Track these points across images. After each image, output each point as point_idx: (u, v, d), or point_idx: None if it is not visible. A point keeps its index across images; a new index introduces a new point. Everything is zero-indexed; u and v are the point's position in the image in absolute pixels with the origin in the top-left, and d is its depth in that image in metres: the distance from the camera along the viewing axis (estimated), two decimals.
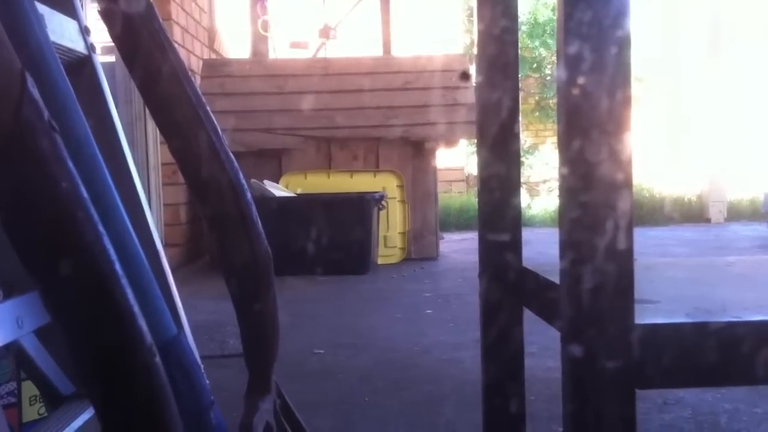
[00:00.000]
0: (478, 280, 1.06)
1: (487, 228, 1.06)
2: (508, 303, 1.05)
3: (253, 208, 1.02)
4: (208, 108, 1.02)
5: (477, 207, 1.08)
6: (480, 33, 1.05)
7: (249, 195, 1.02)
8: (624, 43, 0.64)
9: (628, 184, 0.64)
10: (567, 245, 0.66)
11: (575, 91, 0.63)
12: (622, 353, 0.67)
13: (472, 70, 5.20)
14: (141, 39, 0.97)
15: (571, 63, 0.64)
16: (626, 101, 0.64)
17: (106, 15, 0.98)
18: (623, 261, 0.65)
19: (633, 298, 0.67)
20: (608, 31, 0.64)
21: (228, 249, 1.01)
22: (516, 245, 1.06)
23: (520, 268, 1.05)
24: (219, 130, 1.02)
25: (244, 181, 1.02)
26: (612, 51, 0.64)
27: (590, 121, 0.64)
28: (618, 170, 0.64)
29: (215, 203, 1.00)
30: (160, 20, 1.01)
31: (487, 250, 1.06)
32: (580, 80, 0.63)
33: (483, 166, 1.05)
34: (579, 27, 0.63)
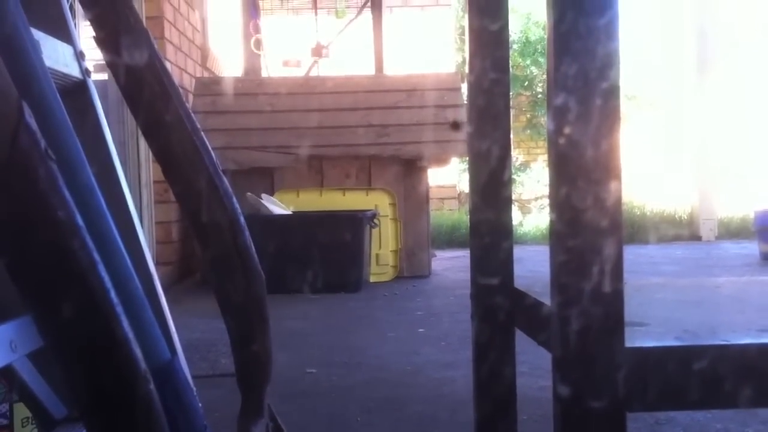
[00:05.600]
0: (471, 317, 1.08)
1: (478, 271, 1.08)
2: (499, 343, 1.07)
3: (251, 246, 1.04)
4: (208, 145, 1.04)
5: (470, 250, 1.10)
6: (470, 85, 1.08)
7: (246, 232, 1.04)
8: (610, 95, 0.65)
9: (614, 229, 0.66)
10: (555, 288, 0.67)
11: (562, 141, 0.65)
12: (608, 392, 0.68)
13: (464, 88, 5.23)
14: (144, 87, 0.99)
15: (558, 113, 0.65)
16: (612, 150, 0.66)
17: (112, 66, 1.01)
18: (610, 304, 0.66)
19: (622, 339, 0.68)
20: (594, 83, 0.65)
21: (225, 288, 1.03)
22: (506, 287, 1.08)
23: (510, 309, 1.06)
24: (219, 166, 1.04)
25: (242, 218, 1.04)
26: (597, 102, 0.65)
27: (577, 170, 0.66)
28: (604, 217, 0.65)
29: (215, 246, 1.02)
30: (164, 65, 1.03)
31: (478, 292, 1.08)
32: (567, 130, 0.65)
33: (474, 211, 1.08)
34: (565, 79, 0.65)
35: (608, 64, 0.65)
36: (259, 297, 1.04)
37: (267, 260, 1.10)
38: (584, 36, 0.65)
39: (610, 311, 0.66)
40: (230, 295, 1.03)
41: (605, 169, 0.66)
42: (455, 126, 5.13)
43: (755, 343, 0.75)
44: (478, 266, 1.08)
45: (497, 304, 1.06)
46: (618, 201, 0.66)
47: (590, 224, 0.65)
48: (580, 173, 0.65)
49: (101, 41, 1.01)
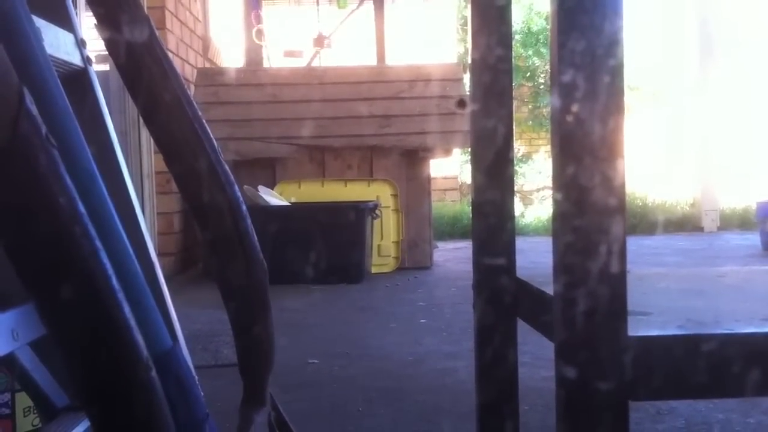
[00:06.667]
0: (473, 306, 1.07)
1: (482, 252, 1.07)
2: (503, 325, 1.06)
3: (252, 232, 1.04)
4: (209, 131, 1.03)
5: (472, 231, 1.09)
6: (475, 62, 1.06)
7: (248, 219, 1.04)
8: (616, 72, 0.65)
9: (620, 208, 0.65)
10: (560, 268, 0.66)
11: (569, 118, 0.64)
12: (615, 374, 0.67)
13: (466, 78, 5.22)
14: (143, 68, 0.99)
15: (564, 91, 0.65)
16: (618, 128, 0.65)
17: (110, 45, 1.00)
18: (616, 284, 0.65)
19: (626, 321, 0.67)
20: (601, 61, 0.65)
21: (226, 273, 1.03)
22: (510, 269, 1.07)
23: (514, 291, 1.05)
24: (220, 152, 1.03)
25: (243, 205, 1.04)
26: (605, 79, 0.64)
27: (583, 148, 0.65)
28: (610, 195, 0.65)
29: (215, 228, 1.01)
30: (164, 47, 1.02)
31: (482, 273, 1.07)
32: (574, 108, 0.64)
33: (478, 191, 1.06)
34: (572, 56, 0.64)
35: (615, 40, 0.64)
36: (260, 283, 1.04)
37: (268, 250, 1.10)
38: (591, 11, 0.64)
39: (616, 292, 0.66)
40: (231, 280, 1.03)
41: (612, 147, 0.65)
42: (461, 104, 5.10)
43: (760, 332, 0.75)
44: (482, 247, 1.07)
45: (502, 286, 1.05)
46: (623, 180, 0.65)
47: (597, 203, 0.65)
48: (587, 152, 0.64)
49: (100, 18, 1.01)
